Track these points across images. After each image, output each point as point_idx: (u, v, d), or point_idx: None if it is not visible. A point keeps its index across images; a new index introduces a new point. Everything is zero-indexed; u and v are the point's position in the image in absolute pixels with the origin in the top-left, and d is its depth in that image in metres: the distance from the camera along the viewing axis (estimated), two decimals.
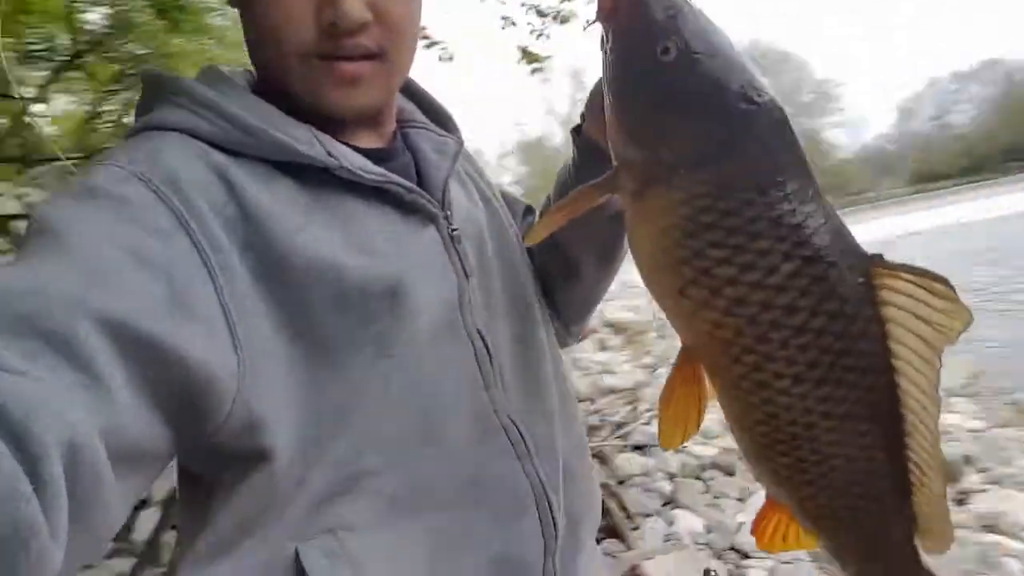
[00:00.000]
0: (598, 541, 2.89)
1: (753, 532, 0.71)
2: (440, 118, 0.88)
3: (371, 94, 0.72)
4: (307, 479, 0.63)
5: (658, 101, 0.64)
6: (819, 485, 0.63)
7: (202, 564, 0.63)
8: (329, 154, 0.67)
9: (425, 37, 4.78)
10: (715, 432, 4.03)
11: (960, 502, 3.40)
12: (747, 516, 3.23)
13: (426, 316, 0.69)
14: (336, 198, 0.68)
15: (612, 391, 5.27)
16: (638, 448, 4.13)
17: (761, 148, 0.61)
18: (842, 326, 0.59)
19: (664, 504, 3.50)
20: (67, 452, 0.44)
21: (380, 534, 0.66)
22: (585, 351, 5.71)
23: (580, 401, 4.73)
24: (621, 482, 3.69)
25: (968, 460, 3.83)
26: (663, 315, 0.66)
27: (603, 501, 2.96)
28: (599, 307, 1.04)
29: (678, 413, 0.65)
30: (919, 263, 0.57)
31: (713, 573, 2.50)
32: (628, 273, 0.82)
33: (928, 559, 0.63)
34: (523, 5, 5.00)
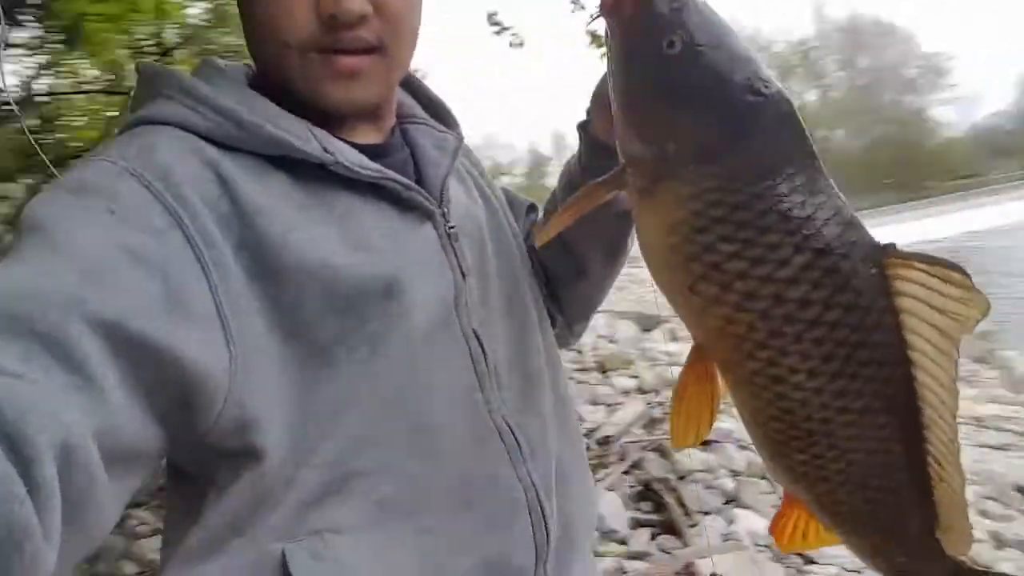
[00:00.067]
0: (652, 537, 2.86)
1: (771, 531, 0.70)
2: (441, 113, 0.86)
3: (370, 88, 0.71)
4: (297, 479, 0.62)
5: (664, 96, 0.63)
6: (837, 481, 0.61)
7: (191, 563, 0.62)
8: (325, 149, 0.66)
9: (496, 23, 4.75)
10: None
11: None
12: None
13: (421, 315, 0.68)
14: (332, 194, 0.67)
15: None
16: (703, 443, 4.06)
17: (769, 140, 0.61)
18: (857, 318, 0.58)
19: (726, 502, 3.40)
20: (61, 454, 0.44)
21: (369, 536, 0.65)
22: (655, 341, 5.57)
23: (644, 392, 4.65)
24: (682, 477, 3.63)
25: None
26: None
27: (661, 495, 2.91)
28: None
29: (690, 412, 0.64)
30: None
31: None
32: None
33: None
34: None
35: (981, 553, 2.90)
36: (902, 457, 0.60)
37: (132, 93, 0.73)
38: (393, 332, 0.66)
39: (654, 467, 3.52)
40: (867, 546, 0.65)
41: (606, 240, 0.88)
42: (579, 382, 4.31)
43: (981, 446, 4.18)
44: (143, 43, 4.33)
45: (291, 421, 0.62)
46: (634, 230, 0.69)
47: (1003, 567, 2.59)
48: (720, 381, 0.64)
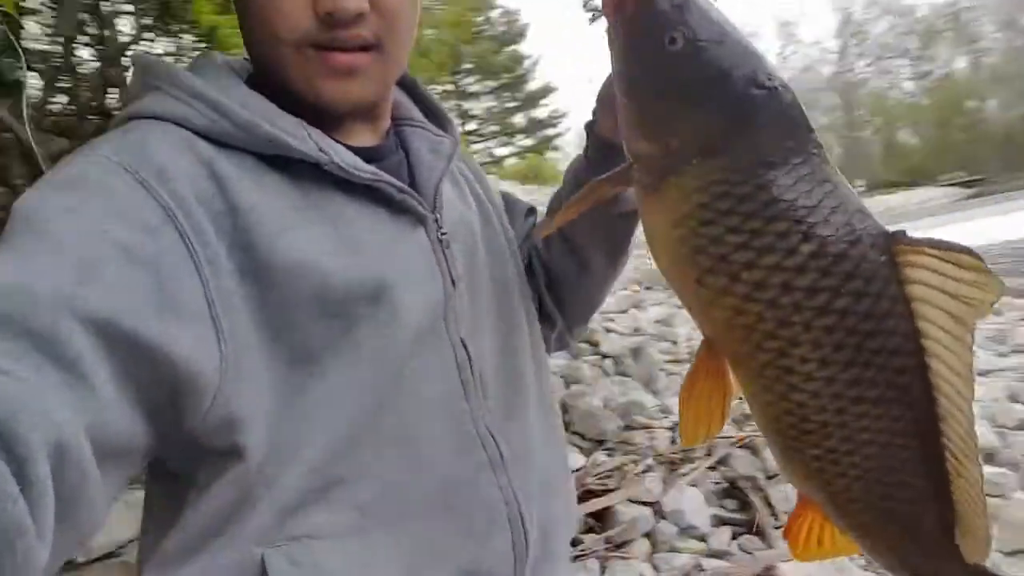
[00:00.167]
0: (734, 536, 2.78)
1: (786, 537, 0.68)
2: (437, 117, 0.86)
3: (367, 86, 0.71)
4: (278, 482, 0.62)
5: (668, 92, 0.64)
6: (852, 476, 0.60)
7: (169, 565, 0.62)
8: (320, 150, 0.66)
9: (592, 10, 4.75)
10: None
11: None
12: None
13: (409, 321, 0.68)
14: (326, 195, 0.67)
15: None
16: None
17: (774, 131, 0.61)
18: (867, 306, 0.57)
19: None
20: (53, 452, 0.44)
21: (348, 543, 0.64)
22: None
23: None
24: (771, 477, 3.52)
25: None
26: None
27: (747, 494, 2.81)
28: None
29: (701, 407, 0.63)
30: None
31: None
32: None
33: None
34: None
35: None
36: (918, 451, 0.58)
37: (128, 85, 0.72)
38: (380, 337, 0.66)
39: (742, 464, 3.41)
40: (883, 546, 0.63)
41: (609, 238, 0.88)
42: (670, 374, 4.22)
43: None
44: None
45: (275, 422, 0.62)
46: (636, 231, 0.69)
47: None
48: (732, 379, 0.63)
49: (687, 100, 0.63)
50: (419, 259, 0.72)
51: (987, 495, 0.58)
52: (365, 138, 0.76)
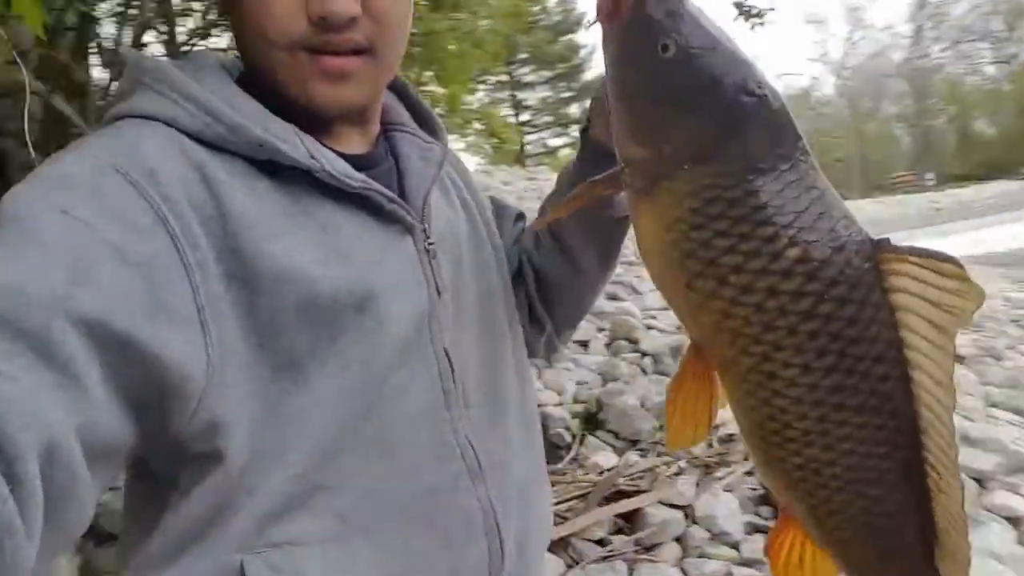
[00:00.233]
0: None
1: (767, 553, 0.68)
2: (428, 122, 0.86)
3: (359, 90, 0.71)
4: (259, 489, 0.62)
5: (660, 98, 0.64)
6: (833, 487, 0.60)
7: (152, 568, 0.62)
8: (312, 157, 0.66)
9: (738, 5, 4.64)
10: None
11: None
12: None
13: (394, 331, 0.68)
14: (316, 202, 0.67)
15: None
16: None
17: (763, 138, 0.61)
18: (851, 312, 0.58)
19: None
20: (43, 452, 0.44)
21: (329, 550, 0.65)
22: None
23: None
24: None
25: None
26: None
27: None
28: None
29: (687, 410, 0.64)
30: None
31: None
32: None
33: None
34: None
35: None
36: (899, 462, 0.58)
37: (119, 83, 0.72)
38: (365, 346, 0.66)
39: None
40: (863, 563, 0.62)
41: (601, 240, 0.88)
42: None
43: None
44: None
45: (258, 428, 0.62)
46: (628, 235, 0.70)
47: None
48: (719, 384, 0.64)
49: (679, 107, 0.64)
50: (406, 269, 0.73)
51: None
52: (355, 143, 0.77)
